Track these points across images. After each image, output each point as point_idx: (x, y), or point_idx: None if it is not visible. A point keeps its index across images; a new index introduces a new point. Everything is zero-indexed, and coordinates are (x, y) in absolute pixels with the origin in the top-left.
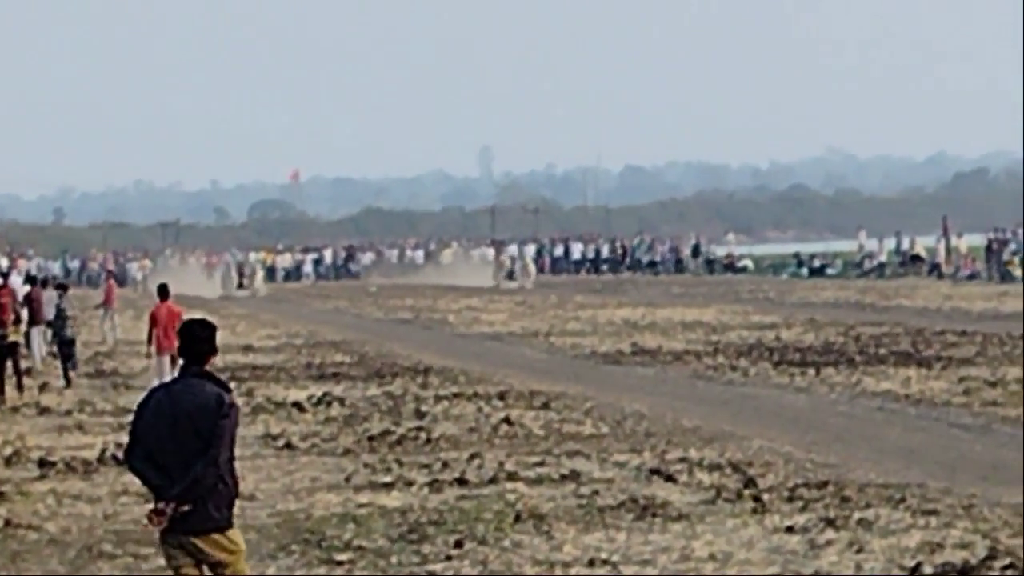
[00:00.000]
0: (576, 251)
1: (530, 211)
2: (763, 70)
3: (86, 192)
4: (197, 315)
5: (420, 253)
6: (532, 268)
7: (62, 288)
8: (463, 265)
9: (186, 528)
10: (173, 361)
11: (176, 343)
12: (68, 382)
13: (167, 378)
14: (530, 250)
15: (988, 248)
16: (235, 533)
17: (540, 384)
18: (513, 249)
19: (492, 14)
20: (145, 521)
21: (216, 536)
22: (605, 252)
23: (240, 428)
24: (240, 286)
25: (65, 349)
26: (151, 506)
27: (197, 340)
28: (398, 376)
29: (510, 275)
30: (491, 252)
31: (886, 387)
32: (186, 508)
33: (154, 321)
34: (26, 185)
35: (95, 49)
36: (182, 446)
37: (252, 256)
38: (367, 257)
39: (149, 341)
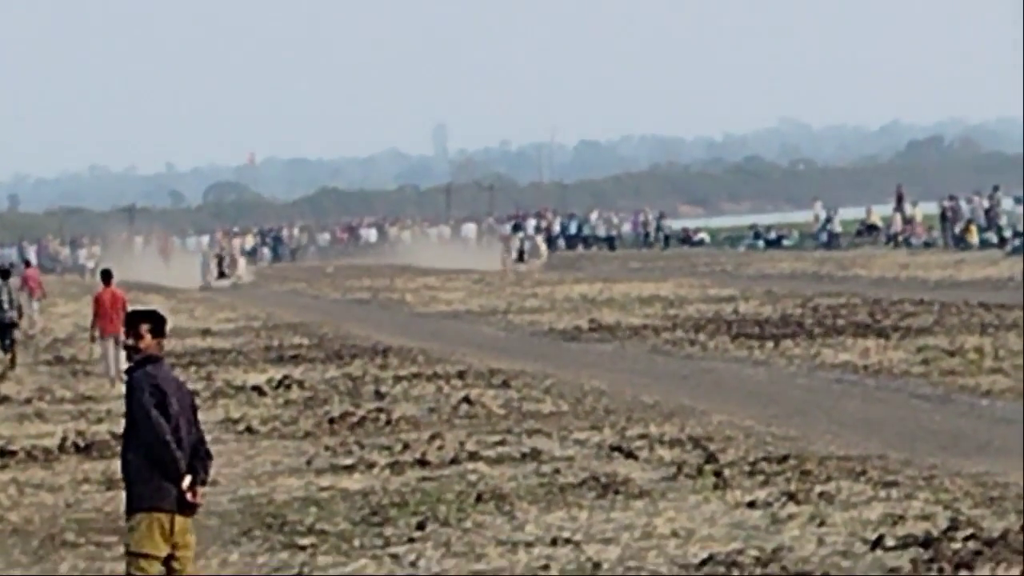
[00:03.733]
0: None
1: (485, 188)
2: (715, 42)
3: (41, 178)
4: (154, 305)
5: (376, 232)
6: (544, 248)
7: (4, 274)
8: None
9: (185, 507)
10: (116, 343)
11: (121, 327)
12: (12, 364)
13: (113, 362)
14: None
15: (942, 216)
16: None
17: (499, 362)
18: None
19: None
20: (193, 499)
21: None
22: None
23: (200, 413)
24: (221, 275)
25: (4, 333)
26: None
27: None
28: (357, 357)
29: (520, 256)
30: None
31: (844, 358)
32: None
33: (98, 305)
34: None
35: (46, 35)
36: (190, 424)
37: (244, 240)
38: (323, 238)
39: (93, 325)
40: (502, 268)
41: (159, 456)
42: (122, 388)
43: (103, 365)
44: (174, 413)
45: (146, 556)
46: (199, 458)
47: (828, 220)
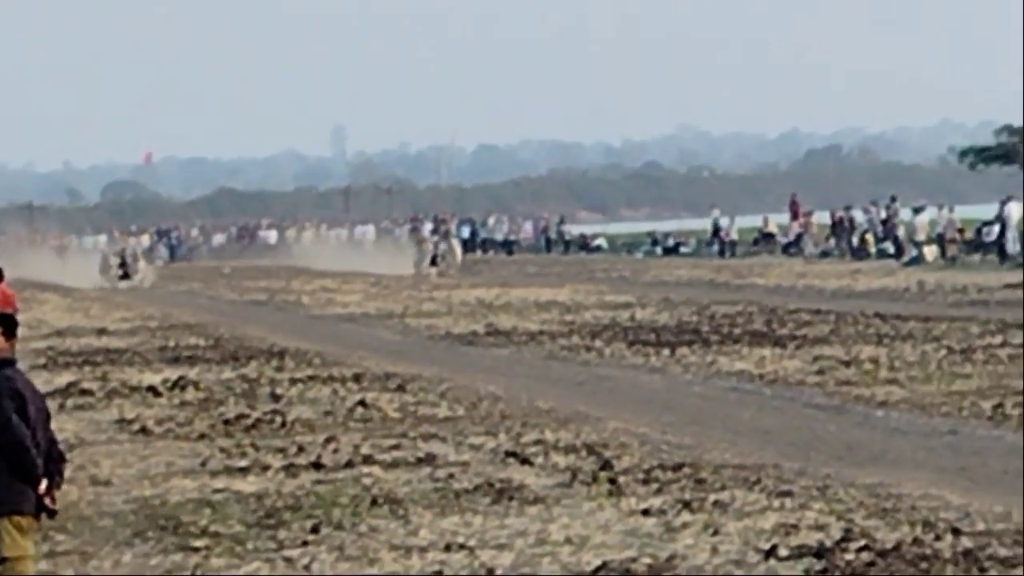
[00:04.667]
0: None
1: (384, 191)
2: (614, 48)
3: None
4: (49, 303)
5: (273, 234)
6: (459, 252)
7: None
8: (322, 247)
9: (42, 511)
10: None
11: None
12: None
13: None
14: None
15: (833, 226)
16: None
17: (395, 366)
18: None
19: None
20: (52, 505)
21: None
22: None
23: (95, 412)
24: (124, 276)
25: None
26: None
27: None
28: (253, 359)
29: (434, 260)
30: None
31: (740, 367)
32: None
33: None
34: None
35: None
36: (45, 430)
37: (141, 239)
38: (217, 238)
39: None
40: (415, 272)
41: (19, 461)
42: None
43: None
44: (32, 417)
45: (21, 558)
46: (53, 461)
47: (717, 229)
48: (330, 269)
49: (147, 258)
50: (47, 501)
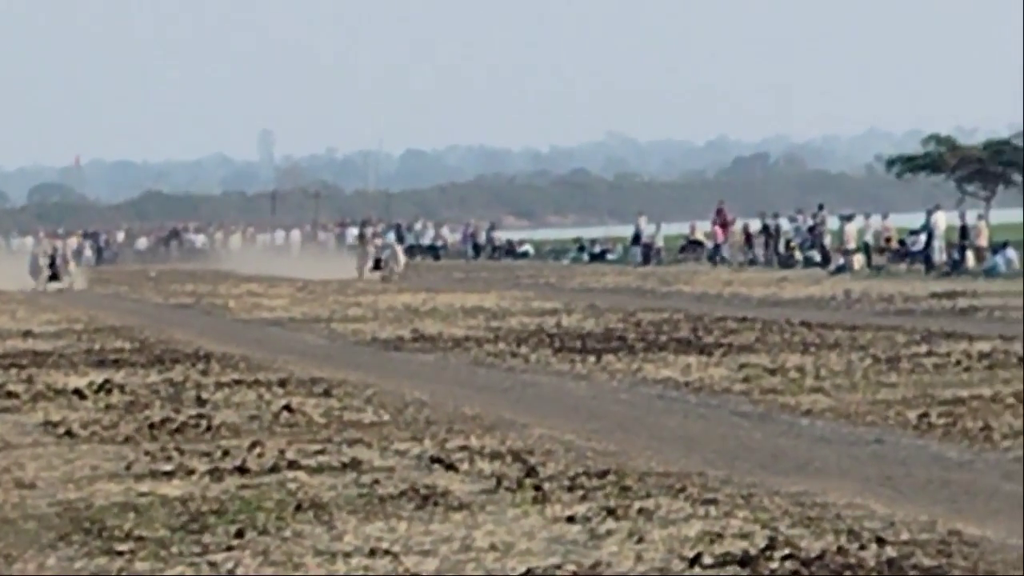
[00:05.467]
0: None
1: (311, 195)
2: (543, 54)
3: None
4: None
5: (200, 237)
6: (402, 256)
7: None
8: (248, 251)
9: None
10: None
11: None
12: None
13: None
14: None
15: (765, 233)
16: None
17: (321, 371)
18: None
19: None
20: None
21: None
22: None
23: (20, 415)
24: (53, 277)
25: None
26: None
27: None
28: (178, 362)
29: (377, 264)
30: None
31: (666, 374)
32: None
33: None
34: None
35: None
36: None
37: (68, 242)
38: (141, 241)
39: None
40: (357, 276)
41: None
42: None
43: None
44: None
45: None
46: None
47: (638, 236)
48: (257, 273)
49: (76, 260)
50: None
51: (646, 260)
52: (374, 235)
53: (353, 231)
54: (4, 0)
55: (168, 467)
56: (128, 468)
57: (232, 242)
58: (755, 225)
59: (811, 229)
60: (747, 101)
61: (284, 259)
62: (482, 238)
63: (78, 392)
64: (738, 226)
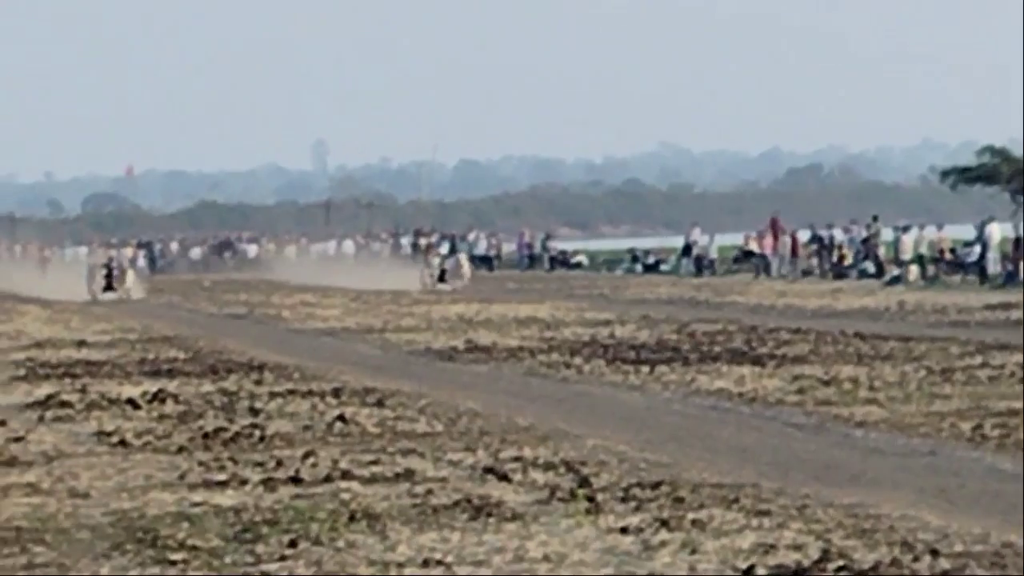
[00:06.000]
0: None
1: (364, 205)
2: (597, 64)
3: None
4: (29, 314)
5: (254, 247)
6: (467, 267)
7: None
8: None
9: None
10: None
11: None
12: None
13: None
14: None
15: (819, 244)
16: None
17: (374, 381)
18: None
19: (325, 5)
20: None
21: None
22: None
23: (74, 424)
24: (108, 288)
25: None
26: None
27: None
28: (232, 372)
29: (442, 276)
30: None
31: (720, 385)
32: None
33: None
34: None
35: None
36: None
37: (122, 252)
38: (195, 252)
39: None
40: (421, 288)
41: None
42: None
43: None
44: None
45: None
46: None
47: (688, 247)
48: (310, 283)
49: (134, 270)
50: None
51: (699, 271)
52: (428, 246)
53: (406, 241)
54: (60, 10)
55: (221, 477)
56: (182, 478)
57: (286, 252)
58: (805, 236)
59: (865, 240)
60: (801, 112)
61: (337, 269)
62: (537, 248)
63: (132, 402)
64: (790, 237)
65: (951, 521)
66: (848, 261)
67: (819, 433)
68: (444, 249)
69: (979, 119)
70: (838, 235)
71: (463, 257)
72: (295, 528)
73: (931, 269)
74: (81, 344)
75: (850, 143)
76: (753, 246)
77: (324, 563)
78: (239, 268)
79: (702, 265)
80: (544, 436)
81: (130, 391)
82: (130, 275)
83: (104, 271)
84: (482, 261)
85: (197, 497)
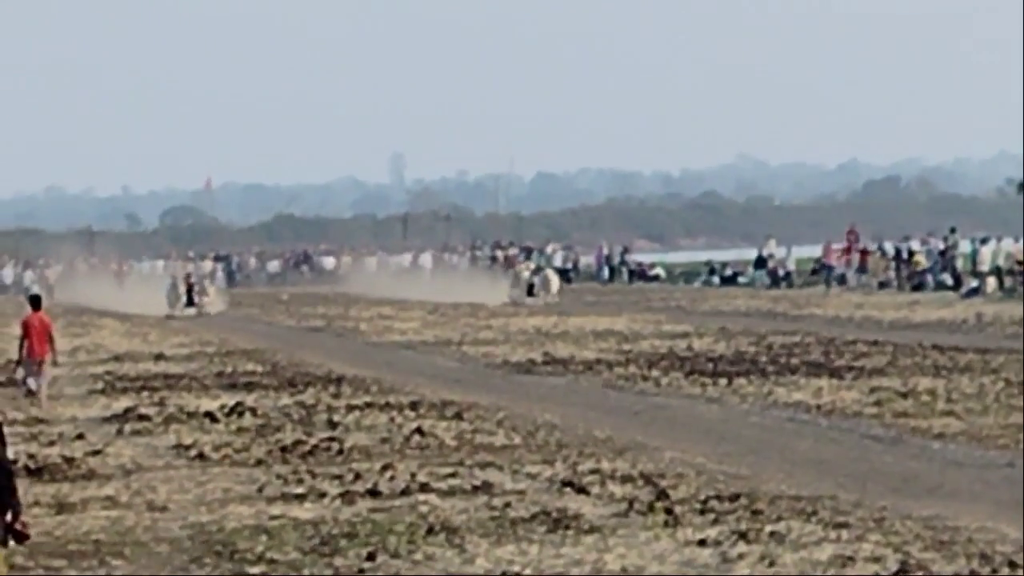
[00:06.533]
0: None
1: (442, 218)
2: (674, 77)
3: None
4: (107, 328)
5: (331, 260)
6: (556, 281)
7: None
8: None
9: (16, 537)
10: (40, 367)
11: (47, 350)
12: None
13: (32, 381)
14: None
15: (896, 257)
16: None
17: (452, 394)
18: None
19: (403, 19)
20: (24, 529)
21: None
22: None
23: (152, 438)
24: (190, 303)
25: None
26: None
27: None
28: (310, 385)
29: (530, 290)
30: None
31: (797, 397)
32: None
33: (26, 330)
34: None
35: (1, 54)
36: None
37: (202, 265)
38: (272, 264)
39: (21, 348)
40: (509, 302)
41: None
42: (59, 410)
43: (23, 387)
44: None
45: None
46: (11, 489)
47: (761, 259)
48: (388, 296)
49: (215, 285)
50: (19, 526)
51: (774, 283)
52: (512, 259)
53: (483, 254)
54: (138, 25)
55: (300, 490)
56: (260, 491)
57: (363, 265)
58: (882, 247)
59: (942, 252)
60: (878, 124)
61: (415, 282)
62: (616, 261)
63: (210, 415)
64: (864, 249)
65: None
66: (917, 266)
67: (897, 445)
68: (532, 264)
69: None
70: (916, 247)
71: (551, 272)
72: (373, 541)
73: (1008, 281)
74: (159, 357)
75: (927, 155)
76: (832, 258)
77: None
78: (316, 281)
79: (777, 277)
80: (622, 448)
81: (208, 404)
82: (212, 290)
83: (186, 287)
84: (560, 274)
85: (275, 510)
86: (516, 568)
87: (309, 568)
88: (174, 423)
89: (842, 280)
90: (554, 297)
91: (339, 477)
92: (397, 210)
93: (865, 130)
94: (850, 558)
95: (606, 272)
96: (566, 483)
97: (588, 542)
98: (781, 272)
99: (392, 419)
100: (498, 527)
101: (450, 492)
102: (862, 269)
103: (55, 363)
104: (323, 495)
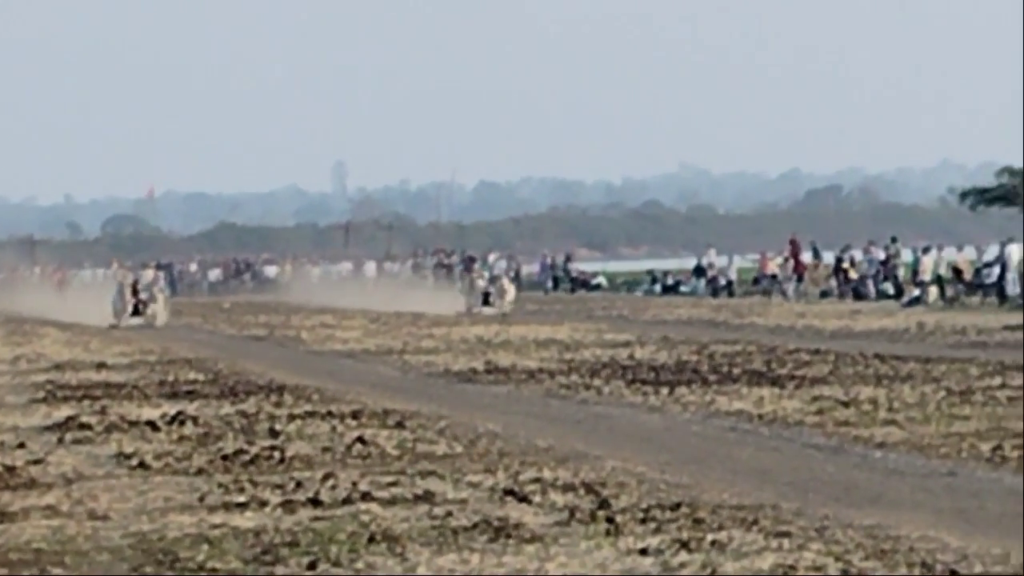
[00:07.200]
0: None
1: (384, 227)
2: (617, 85)
3: None
4: (49, 336)
5: (273, 268)
6: (511, 288)
7: None
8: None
9: None
10: None
11: None
12: None
13: None
14: (502, 264)
15: (837, 266)
16: None
17: (394, 402)
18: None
19: (345, 28)
20: None
21: None
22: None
23: (93, 446)
24: (136, 312)
25: None
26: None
27: None
28: (252, 394)
29: (486, 298)
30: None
31: (739, 406)
32: None
33: None
34: None
35: None
36: None
37: (144, 274)
38: (213, 273)
39: None
40: (465, 311)
41: None
42: (0, 419)
43: None
44: None
45: None
46: None
47: (700, 267)
48: (329, 305)
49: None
50: None
51: (714, 293)
52: (449, 268)
53: (425, 262)
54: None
55: (241, 499)
56: (201, 500)
57: (305, 274)
58: (821, 257)
59: (884, 261)
60: (820, 133)
61: (357, 291)
62: (559, 270)
63: (151, 424)
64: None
65: (971, 542)
66: (852, 276)
67: (838, 454)
68: (487, 272)
69: (998, 140)
70: (857, 256)
71: (507, 281)
72: (315, 550)
73: (950, 290)
74: (100, 366)
75: (869, 164)
76: (770, 267)
77: None
78: (258, 290)
79: (717, 287)
80: (563, 457)
81: (149, 413)
82: (161, 298)
83: (132, 292)
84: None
85: (216, 519)
86: None
87: None
88: (115, 432)
89: (783, 290)
90: (510, 306)
91: (280, 486)
92: (339, 219)
93: (807, 139)
94: (792, 567)
95: (550, 281)
96: (507, 492)
97: (530, 551)
98: (722, 281)
99: (334, 428)
100: (439, 536)
101: (392, 501)
102: (800, 279)
103: None
104: (264, 504)
